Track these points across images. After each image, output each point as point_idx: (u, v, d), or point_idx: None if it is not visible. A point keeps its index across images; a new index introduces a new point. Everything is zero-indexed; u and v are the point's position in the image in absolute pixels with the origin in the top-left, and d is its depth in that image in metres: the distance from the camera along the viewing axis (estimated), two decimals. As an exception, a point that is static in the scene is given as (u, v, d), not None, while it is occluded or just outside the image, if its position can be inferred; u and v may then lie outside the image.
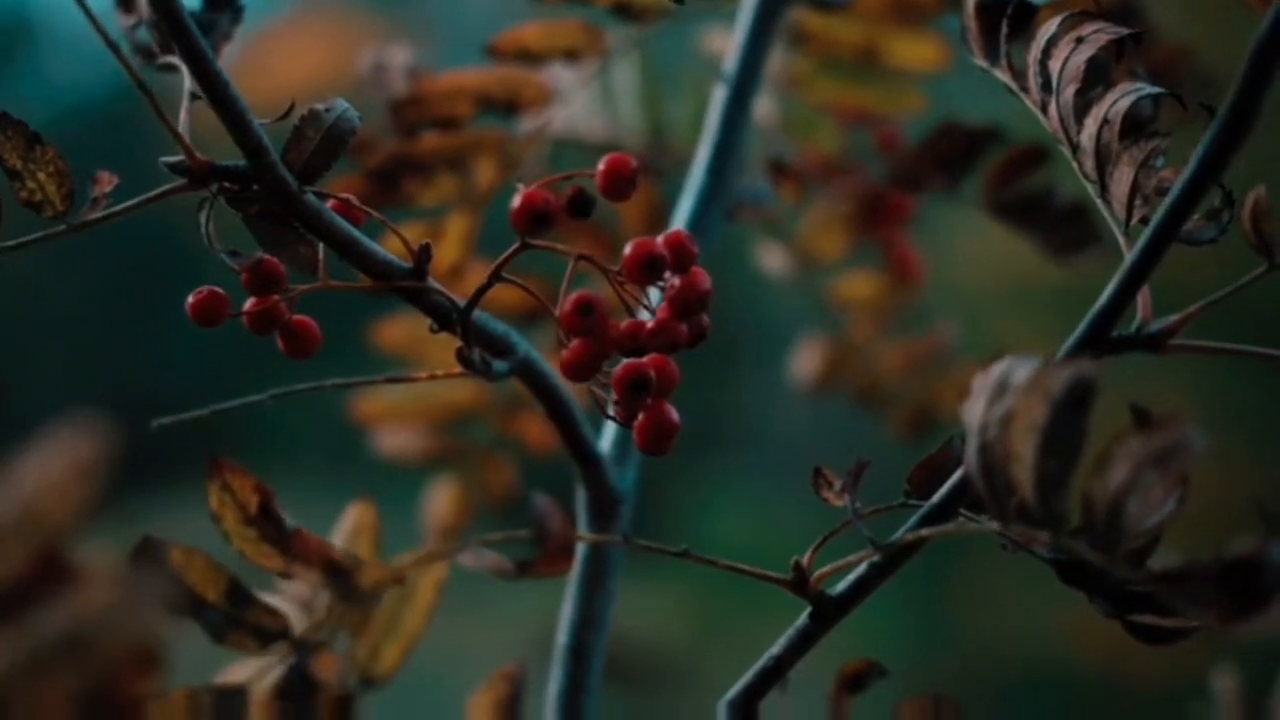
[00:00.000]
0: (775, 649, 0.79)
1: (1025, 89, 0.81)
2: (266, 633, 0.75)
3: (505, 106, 1.17)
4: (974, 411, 0.66)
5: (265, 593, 0.76)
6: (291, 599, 0.76)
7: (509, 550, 0.73)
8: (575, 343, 0.76)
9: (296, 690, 0.74)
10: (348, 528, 0.80)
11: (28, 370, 3.77)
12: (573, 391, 0.89)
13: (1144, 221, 0.74)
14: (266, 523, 0.75)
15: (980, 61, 0.85)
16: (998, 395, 0.65)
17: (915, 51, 1.22)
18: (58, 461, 0.51)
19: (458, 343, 0.80)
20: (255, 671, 0.75)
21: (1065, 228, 1.14)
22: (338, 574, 0.74)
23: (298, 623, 0.76)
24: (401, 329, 1.27)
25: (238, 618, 0.74)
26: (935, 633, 3.02)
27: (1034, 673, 3.04)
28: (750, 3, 1.16)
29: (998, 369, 0.65)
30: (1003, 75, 0.83)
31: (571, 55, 1.17)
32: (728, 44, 1.18)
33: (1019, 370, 0.64)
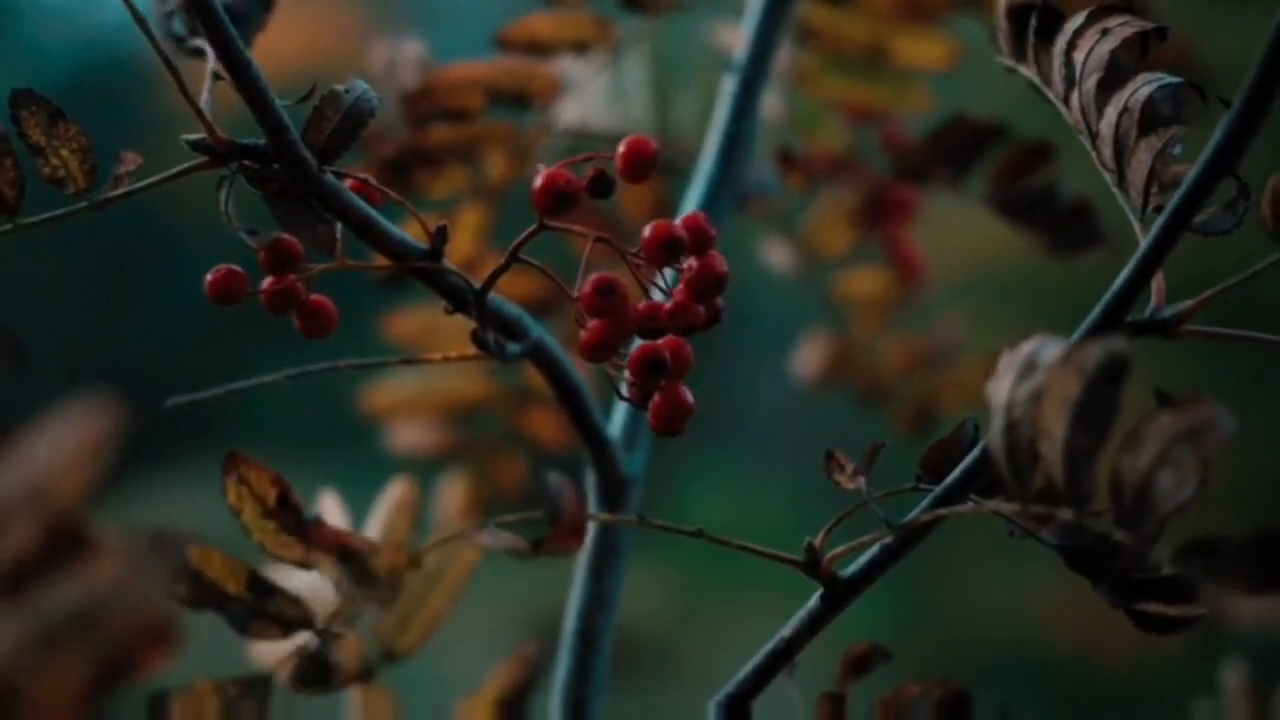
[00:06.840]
0: (785, 631, 0.79)
1: (1049, 83, 0.83)
2: (289, 621, 0.75)
3: (515, 98, 1.18)
4: (1000, 390, 0.66)
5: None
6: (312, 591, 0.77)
7: (523, 531, 0.73)
8: (594, 323, 0.76)
9: (314, 678, 0.75)
10: (390, 503, 0.80)
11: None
12: (583, 376, 0.90)
13: (1159, 210, 0.75)
14: (285, 514, 0.75)
15: (1007, 60, 0.87)
16: (1026, 373, 0.65)
17: (923, 51, 1.23)
18: (69, 438, 0.51)
19: (471, 329, 0.81)
20: (281, 657, 0.75)
21: (1068, 225, 1.15)
22: (352, 560, 0.75)
23: (321, 608, 0.76)
24: (414, 321, 1.26)
25: (260, 608, 0.75)
26: (912, 615, 3.03)
27: (1009, 655, 3.05)
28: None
29: (1025, 347, 0.66)
30: (1028, 72, 0.85)
31: (581, 47, 1.17)
32: (736, 38, 1.18)
33: (1049, 348, 0.65)
